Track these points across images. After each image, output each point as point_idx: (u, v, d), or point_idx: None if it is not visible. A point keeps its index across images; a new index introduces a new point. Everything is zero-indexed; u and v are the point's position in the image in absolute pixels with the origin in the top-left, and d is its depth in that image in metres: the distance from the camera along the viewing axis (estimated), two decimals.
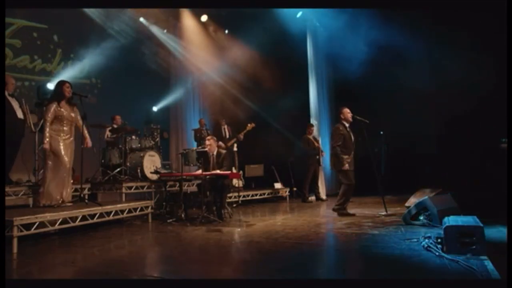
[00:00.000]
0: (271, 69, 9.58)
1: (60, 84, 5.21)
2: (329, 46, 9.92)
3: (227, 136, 8.61)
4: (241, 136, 8.54)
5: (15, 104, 5.58)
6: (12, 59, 8.11)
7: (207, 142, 6.27)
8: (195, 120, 10.32)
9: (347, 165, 5.75)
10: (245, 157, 9.42)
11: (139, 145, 7.59)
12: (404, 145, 8.28)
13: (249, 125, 8.45)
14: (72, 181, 5.39)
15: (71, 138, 5.25)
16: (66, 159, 5.09)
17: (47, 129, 4.98)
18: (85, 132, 5.38)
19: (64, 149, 5.09)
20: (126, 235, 5.01)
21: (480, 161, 6.96)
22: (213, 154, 6.25)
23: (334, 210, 5.92)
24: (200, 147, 7.02)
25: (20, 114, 5.61)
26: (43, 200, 4.97)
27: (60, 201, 5.02)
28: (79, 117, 5.33)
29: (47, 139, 4.97)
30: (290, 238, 4.27)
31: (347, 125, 5.94)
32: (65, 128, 5.15)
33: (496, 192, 4.58)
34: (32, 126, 5.79)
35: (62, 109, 5.11)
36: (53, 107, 5.04)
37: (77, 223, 4.69)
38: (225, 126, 8.75)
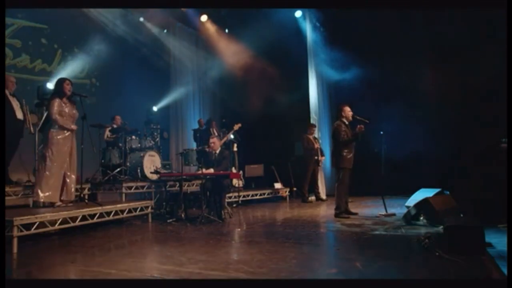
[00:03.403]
0: (271, 68, 9.58)
1: (61, 81, 5.20)
2: (329, 46, 9.93)
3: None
4: (231, 135, 8.47)
5: (15, 104, 5.54)
6: (12, 59, 8.10)
7: (211, 140, 6.35)
8: (195, 120, 10.34)
9: (346, 162, 5.73)
10: (245, 157, 9.42)
11: (139, 145, 7.59)
12: (404, 145, 8.28)
13: (235, 125, 8.42)
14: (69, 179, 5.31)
15: (73, 135, 5.22)
16: (66, 157, 5.07)
17: (59, 119, 4.96)
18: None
19: (66, 145, 5.09)
20: (126, 235, 5.00)
21: (480, 161, 6.95)
22: (215, 153, 6.27)
23: (335, 216, 5.92)
24: (200, 147, 7.03)
25: (20, 115, 5.57)
26: (42, 198, 4.90)
27: (61, 200, 5.02)
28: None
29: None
30: (290, 238, 4.27)
31: (347, 122, 5.90)
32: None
33: (496, 192, 4.58)
34: (31, 128, 5.74)
35: (64, 106, 5.10)
36: (57, 101, 5.04)
37: (77, 223, 4.68)
38: (214, 128, 8.77)
